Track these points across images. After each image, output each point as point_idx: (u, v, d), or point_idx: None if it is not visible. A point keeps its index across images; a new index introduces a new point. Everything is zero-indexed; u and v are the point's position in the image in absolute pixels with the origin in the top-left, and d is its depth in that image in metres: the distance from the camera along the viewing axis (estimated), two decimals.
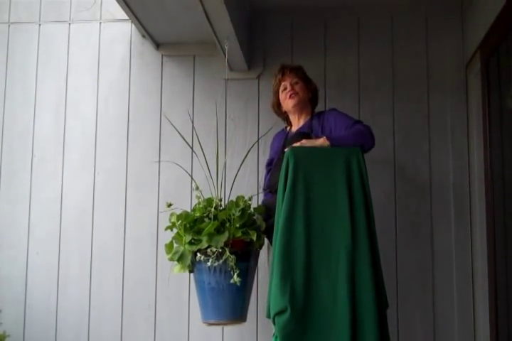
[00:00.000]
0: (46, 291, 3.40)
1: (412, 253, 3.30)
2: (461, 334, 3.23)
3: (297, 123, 2.93)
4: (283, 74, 2.91)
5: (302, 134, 2.78)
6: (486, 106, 3.06)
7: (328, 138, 2.59)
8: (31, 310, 3.40)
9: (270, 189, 2.92)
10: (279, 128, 3.09)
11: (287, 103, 2.90)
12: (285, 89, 2.90)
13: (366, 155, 2.59)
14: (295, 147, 2.57)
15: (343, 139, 2.61)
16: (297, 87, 2.88)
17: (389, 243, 3.29)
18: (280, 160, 2.82)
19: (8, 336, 3.22)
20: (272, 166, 2.95)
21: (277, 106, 2.99)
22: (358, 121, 2.75)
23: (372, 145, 2.63)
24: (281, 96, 2.92)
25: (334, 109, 2.88)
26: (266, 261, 2.96)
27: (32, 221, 3.47)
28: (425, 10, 3.47)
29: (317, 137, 2.68)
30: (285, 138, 2.92)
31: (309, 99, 2.94)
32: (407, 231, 3.33)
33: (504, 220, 2.88)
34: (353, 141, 2.58)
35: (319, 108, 3.04)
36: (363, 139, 2.60)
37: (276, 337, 2.41)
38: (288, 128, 3.00)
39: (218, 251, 2.56)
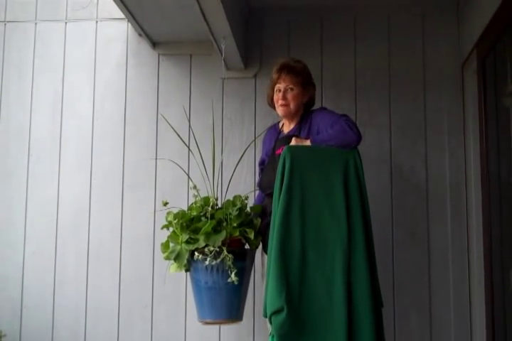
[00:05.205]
0: (42, 291, 3.39)
1: (409, 253, 3.30)
2: (458, 332, 3.23)
3: (288, 126, 2.86)
4: (279, 77, 2.78)
5: (290, 137, 2.70)
6: (482, 104, 3.07)
7: (311, 142, 2.58)
8: (28, 310, 3.38)
9: (261, 190, 2.91)
10: (274, 122, 3.06)
11: (277, 108, 2.82)
12: (279, 91, 2.78)
13: (362, 155, 2.59)
14: (291, 146, 2.56)
15: (325, 142, 2.56)
16: (290, 95, 2.75)
17: (385, 242, 3.28)
18: (271, 162, 2.81)
19: (5, 336, 3.21)
20: (264, 167, 2.91)
21: (271, 100, 2.89)
22: (340, 117, 2.63)
23: (355, 140, 2.53)
24: (275, 96, 2.82)
25: (322, 109, 2.84)
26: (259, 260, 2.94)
27: (28, 221, 3.46)
28: (421, 9, 3.47)
29: (306, 138, 2.65)
30: (276, 139, 2.87)
31: (303, 104, 2.82)
32: (404, 231, 3.32)
33: (500, 219, 2.88)
34: (335, 143, 2.54)
35: (315, 106, 3.02)
36: (343, 138, 2.53)
37: (272, 337, 2.41)
38: (281, 125, 2.94)
39: (216, 250, 2.57)
